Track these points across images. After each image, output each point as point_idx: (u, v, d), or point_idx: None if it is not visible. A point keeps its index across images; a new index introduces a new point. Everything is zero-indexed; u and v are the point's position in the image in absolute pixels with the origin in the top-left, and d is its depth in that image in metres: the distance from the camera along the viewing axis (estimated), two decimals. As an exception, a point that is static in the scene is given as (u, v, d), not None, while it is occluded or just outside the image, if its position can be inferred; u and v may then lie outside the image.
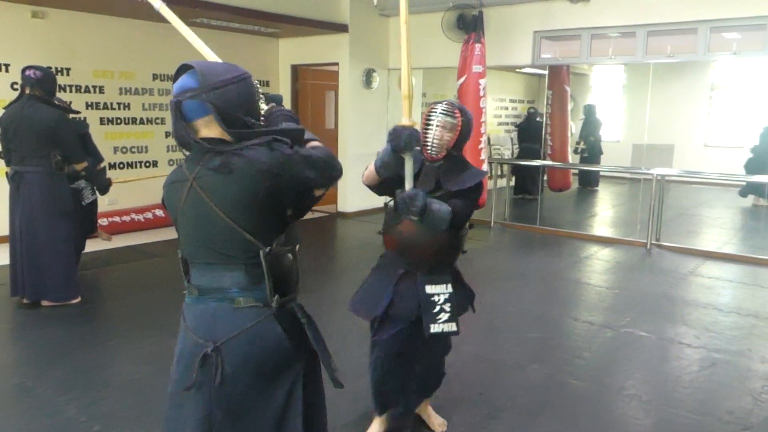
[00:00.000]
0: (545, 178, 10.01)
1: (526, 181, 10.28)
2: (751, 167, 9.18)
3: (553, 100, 9.16)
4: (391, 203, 2.72)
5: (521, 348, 4.12)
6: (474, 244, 7.51)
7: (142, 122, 7.65)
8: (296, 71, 9.22)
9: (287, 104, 9.25)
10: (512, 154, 12.36)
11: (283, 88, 9.27)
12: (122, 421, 3.07)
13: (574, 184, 11.37)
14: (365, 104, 8.82)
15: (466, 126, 2.64)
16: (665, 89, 12.87)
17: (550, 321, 4.67)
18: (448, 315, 2.69)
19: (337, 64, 8.67)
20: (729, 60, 13.00)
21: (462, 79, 7.16)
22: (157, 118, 7.92)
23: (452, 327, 2.69)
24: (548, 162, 9.39)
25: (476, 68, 7.08)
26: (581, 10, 7.31)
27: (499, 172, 13.34)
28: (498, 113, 14.30)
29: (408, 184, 2.38)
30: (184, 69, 1.75)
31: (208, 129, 1.73)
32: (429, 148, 2.63)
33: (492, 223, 8.28)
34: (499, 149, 13.19)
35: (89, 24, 7.09)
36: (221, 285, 1.76)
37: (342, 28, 8.36)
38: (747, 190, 9.71)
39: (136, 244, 6.85)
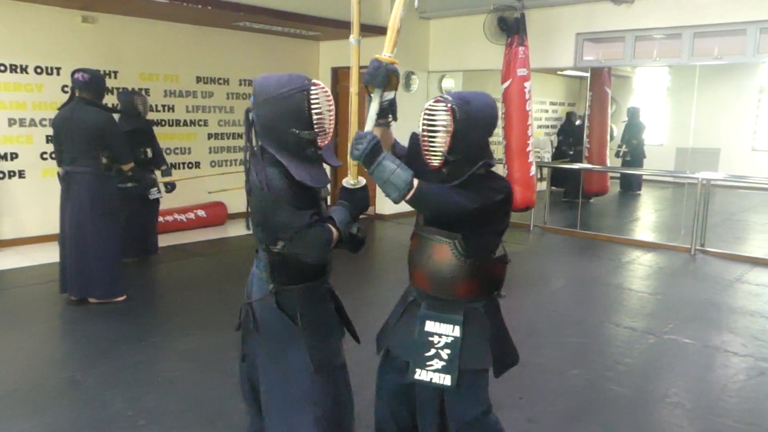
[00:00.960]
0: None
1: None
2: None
3: (592, 102, 9.02)
4: None
5: (561, 353, 4.07)
6: (513, 247, 7.44)
7: (185, 124, 7.82)
8: (336, 74, 9.29)
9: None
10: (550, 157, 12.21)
11: (323, 91, 9.34)
12: (166, 416, 3.14)
13: (615, 188, 11.17)
14: (405, 106, 8.68)
15: (463, 122, 2.10)
16: (711, 92, 12.53)
17: (590, 326, 4.60)
18: (443, 364, 2.19)
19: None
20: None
21: (507, 84, 7.10)
22: (200, 120, 8.08)
23: (445, 380, 2.18)
24: (587, 165, 9.23)
25: (521, 72, 7.02)
26: (625, 11, 7.19)
27: (539, 175, 13.29)
28: (538, 116, 14.14)
29: (367, 126, 2.16)
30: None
31: (258, 139, 2.04)
32: (426, 157, 2.19)
33: (531, 226, 8.20)
34: (539, 152, 13.05)
35: (136, 28, 7.28)
36: (259, 257, 2.20)
37: (382, 30, 8.34)
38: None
39: (179, 243, 7.00)
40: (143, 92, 6.95)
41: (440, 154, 2.14)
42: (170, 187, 6.30)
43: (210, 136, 8.16)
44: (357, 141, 2.06)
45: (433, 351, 2.21)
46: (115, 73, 7.19)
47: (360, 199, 2.13)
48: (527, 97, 7.17)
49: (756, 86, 13.26)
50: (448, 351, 2.19)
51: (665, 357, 4.05)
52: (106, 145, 4.67)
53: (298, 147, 1.99)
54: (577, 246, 7.48)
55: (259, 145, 2.03)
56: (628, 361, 3.95)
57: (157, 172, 6.10)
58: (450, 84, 9.58)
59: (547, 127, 13.69)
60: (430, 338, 2.22)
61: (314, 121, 1.98)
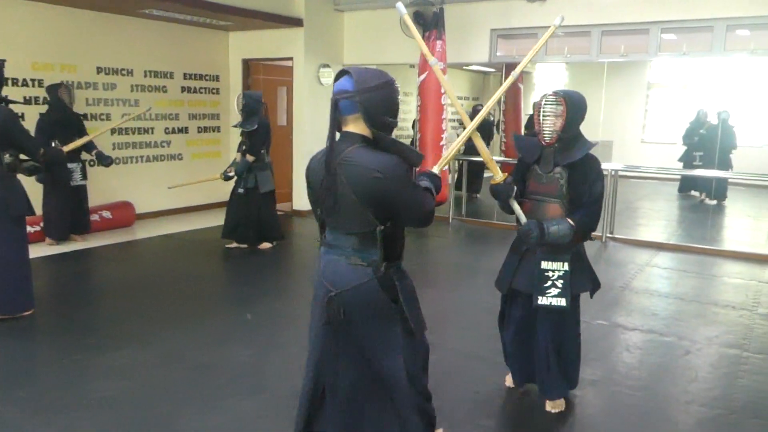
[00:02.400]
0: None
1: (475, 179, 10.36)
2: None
3: (507, 97, 9.27)
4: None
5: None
6: (437, 241, 7.52)
7: (85, 118, 7.20)
8: (248, 66, 8.96)
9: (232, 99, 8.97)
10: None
11: (234, 84, 9.00)
12: (106, 441, 2.87)
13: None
14: (320, 100, 8.66)
15: (573, 109, 2.94)
16: (605, 88, 13.33)
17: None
18: (558, 290, 2.98)
19: (291, 59, 8.47)
20: (664, 59, 13.62)
21: (423, 76, 7.13)
22: (102, 114, 7.51)
23: (561, 302, 2.98)
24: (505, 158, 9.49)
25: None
26: (538, 8, 7.42)
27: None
28: (448, 110, 14.41)
29: (522, 219, 2.96)
30: (342, 73, 2.22)
31: (355, 125, 2.21)
32: (544, 135, 2.98)
33: (450, 219, 8.31)
34: (445, 146, 13.29)
35: (26, 12, 6.64)
36: (342, 244, 2.28)
37: (296, 22, 8.17)
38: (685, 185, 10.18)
39: (85, 248, 6.48)
40: (36, 84, 6.53)
41: (556, 133, 2.96)
42: (107, 161, 6.60)
43: (113, 131, 7.61)
44: (526, 238, 2.91)
45: (549, 282, 2.99)
46: (2, 62, 6.50)
47: (439, 184, 2.47)
48: (443, 91, 7.22)
49: (644, 82, 14.20)
50: (561, 281, 2.98)
51: (599, 341, 4.20)
52: (9, 143, 4.20)
53: (389, 133, 2.27)
54: (496, 236, 7.66)
55: (355, 133, 2.20)
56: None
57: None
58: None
59: (453, 121, 13.97)
60: (547, 273, 2.99)
61: (398, 112, 2.28)
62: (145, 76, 7.92)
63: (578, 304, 3.19)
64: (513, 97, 9.46)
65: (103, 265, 6.10)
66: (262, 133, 6.33)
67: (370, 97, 2.15)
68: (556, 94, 2.95)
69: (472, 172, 9.32)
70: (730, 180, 10.15)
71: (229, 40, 8.98)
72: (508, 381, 3.47)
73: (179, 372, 3.61)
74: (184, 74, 8.41)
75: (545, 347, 3.11)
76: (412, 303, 2.34)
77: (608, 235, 7.33)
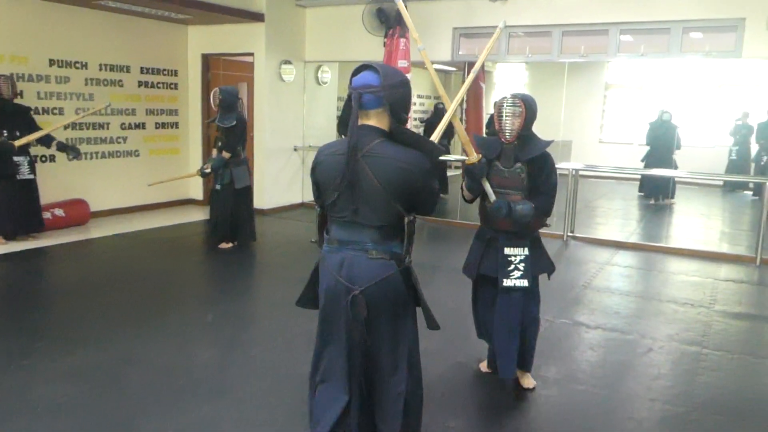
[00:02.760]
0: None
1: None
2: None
3: (468, 97, 9.29)
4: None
5: (471, 346, 4.11)
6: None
7: (36, 112, 6.92)
8: (207, 61, 8.76)
9: (196, 94, 8.80)
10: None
11: (193, 79, 8.80)
12: (58, 450, 2.73)
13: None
14: (281, 97, 8.54)
15: (529, 110, 3.26)
16: (565, 88, 13.53)
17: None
18: (521, 273, 3.32)
19: (251, 54, 8.32)
20: (622, 60, 13.91)
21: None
22: (54, 108, 7.23)
23: (523, 282, 3.32)
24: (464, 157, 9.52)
25: (401, 63, 7.03)
26: (500, 8, 7.46)
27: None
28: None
29: (491, 197, 3.28)
30: (364, 67, 2.25)
31: (377, 119, 2.25)
32: (505, 133, 3.27)
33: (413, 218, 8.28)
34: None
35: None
36: (359, 239, 2.26)
37: (258, 17, 8.02)
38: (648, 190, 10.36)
39: (36, 247, 6.23)
40: (9, 75, 6.32)
41: (516, 131, 3.25)
42: (75, 152, 6.46)
43: (66, 126, 7.32)
44: (498, 213, 3.21)
45: (512, 266, 3.33)
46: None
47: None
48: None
49: (602, 83, 14.48)
50: (522, 264, 3.33)
51: (563, 340, 4.23)
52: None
53: None
54: (459, 235, 7.68)
55: (375, 127, 2.23)
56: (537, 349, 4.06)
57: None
58: (327, 77, 9.41)
59: (414, 119, 13.99)
60: (509, 258, 3.33)
61: (409, 109, 2.33)
62: (101, 69, 7.66)
63: (537, 284, 3.47)
64: (474, 96, 9.49)
65: (56, 264, 5.88)
66: (239, 129, 6.22)
67: (395, 93, 2.21)
68: (514, 96, 3.27)
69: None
70: (678, 180, 10.39)
71: (188, 34, 8.77)
72: (483, 367, 3.71)
73: (137, 375, 3.48)
74: (141, 68, 8.17)
75: (508, 326, 3.37)
76: (423, 295, 2.42)
77: (569, 233, 7.42)
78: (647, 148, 10.22)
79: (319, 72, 9.29)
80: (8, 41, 6.69)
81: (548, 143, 3.31)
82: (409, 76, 7.16)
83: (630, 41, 7.05)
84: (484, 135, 11.27)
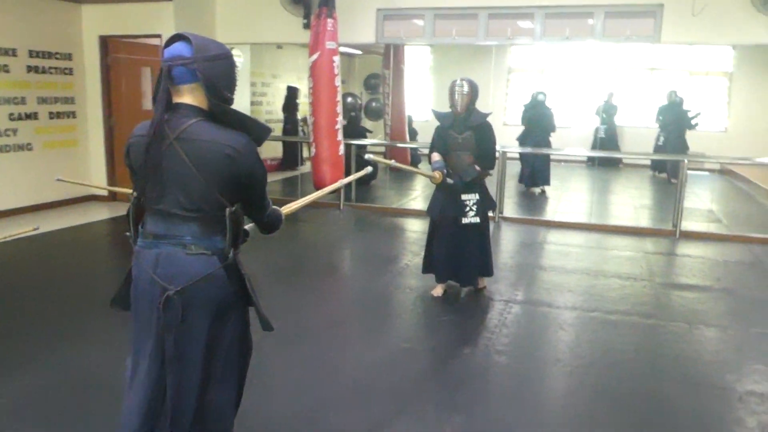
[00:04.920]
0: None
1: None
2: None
3: (390, 79, 9.14)
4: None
5: (440, 333, 3.99)
6: (326, 228, 7.26)
7: None
8: (106, 44, 7.97)
9: (95, 81, 8.01)
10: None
11: (90, 63, 7.98)
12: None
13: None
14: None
15: (474, 89, 4.38)
16: (469, 71, 13.73)
17: (454, 301, 4.60)
18: (474, 212, 4.44)
19: (158, 36, 7.66)
20: (522, 47, 14.33)
21: (315, 56, 6.75)
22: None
23: (476, 219, 4.45)
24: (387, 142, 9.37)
25: (330, 45, 6.74)
26: (424, -11, 7.33)
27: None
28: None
29: (450, 180, 4.42)
30: (176, 37, 1.99)
31: (192, 96, 1.98)
32: (457, 107, 4.35)
33: (341, 205, 8.05)
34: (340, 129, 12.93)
35: None
36: (176, 233, 2.01)
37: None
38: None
39: None
40: None
41: (465, 106, 4.34)
42: None
43: (-55, 118, 6.42)
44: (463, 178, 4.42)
45: (468, 208, 4.43)
46: None
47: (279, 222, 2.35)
48: (336, 72, 6.93)
49: (506, 67, 14.86)
50: (475, 206, 4.44)
51: (532, 323, 4.21)
52: None
53: None
54: (388, 222, 7.55)
55: (191, 106, 1.98)
56: (506, 331, 4.01)
57: None
58: (239, 60, 8.90)
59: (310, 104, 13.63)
60: (465, 202, 4.43)
61: (235, 87, 2.08)
62: (-16, 51, 6.75)
63: (488, 219, 4.69)
64: (397, 79, 9.36)
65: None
66: None
67: (211, 66, 1.95)
68: (463, 80, 4.36)
69: (360, 156, 9.12)
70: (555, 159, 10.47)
71: (81, 13, 7.92)
72: (437, 291, 4.66)
73: (93, 396, 3.03)
74: (30, 52, 7.28)
75: (468, 251, 4.49)
76: (256, 293, 2.17)
77: (500, 215, 7.50)
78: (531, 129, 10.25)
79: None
80: None
81: (488, 114, 4.44)
82: (336, 59, 6.89)
83: (555, 25, 7.16)
84: (408, 116, 11.20)
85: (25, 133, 7.31)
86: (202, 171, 1.93)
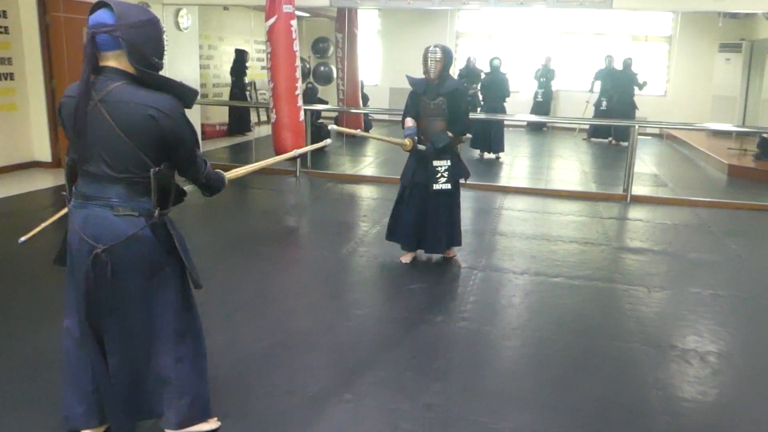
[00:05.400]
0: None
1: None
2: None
3: (344, 44, 8.98)
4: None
5: (411, 300, 4.04)
6: (285, 197, 7.18)
7: None
8: (44, 2, 7.50)
9: (34, 40, 7.55)
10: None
11: (27, 22, 7.50)
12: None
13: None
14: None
15: (447, 56, 4.37)
16: (416, 36, 13.64)
17: (426, 268, 4.64)
18: (445, 179, 4.43)
19: (102, -6, 7.24)
20: (470, 11, 14.31)
21: (272, 20, 6.54)
22: None
23: (447, 186, 4.45)
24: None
25: (287, 8, 6.52)
26: (381, -50, 7.19)
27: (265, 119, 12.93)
28: (261, 56, 13.66)
29: (422, 147, 4.45)
30: (99, 5, 2.02)
31: (118, 61, 2.05)
32: (430, 74, 4.34)
33: (297, 172, 7.95)
34: (264, 94, 12.66)
35: None
36: (104, 194, 2.08)
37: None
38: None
39: None
40: None
41: (438, 72, 4.34)
42: None
43: None
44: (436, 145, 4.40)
45: (439, 174, 4.43)
46: None
47: (219, 183, 2.42)
48: (294, 36, 6.75)
49: (453, 31, 14.82)
50: (447, 172, 4.44)
51: (499, 290, 4.31)
52: None
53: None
54: (347, 188, 7.52)
55: (117, 69, 2.05)
56: (473, 299, 4.10)
57: None
58: (187, 22, 8.56)
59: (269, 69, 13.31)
60: (437, 168, 4.42)
61: (164, 53, 2.15)
62: None
63: (459, 187, 4.65)
64: (351, 43, 9.20)
65: None
66: None
67: (135, 33, 2.01)
68: (436, 46, 4.34)
69: (318, 125, 8.99)
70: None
71: (16, -32, 7.41)
72: (405, 259, 4.71)
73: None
74: (-38, 8, 6.80)
75: (437, 218, 4.52)
76: (187, 252, 2.26)
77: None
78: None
79: (179, 16, 8.42)
80: None
81: (461, 81, 4.75)
82: (293, 23, 6.72)
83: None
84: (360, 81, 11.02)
85: (-41, 96, 6.86)
86: (127, 132, 1.99)
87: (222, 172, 2.42)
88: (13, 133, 7.49)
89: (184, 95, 2.12)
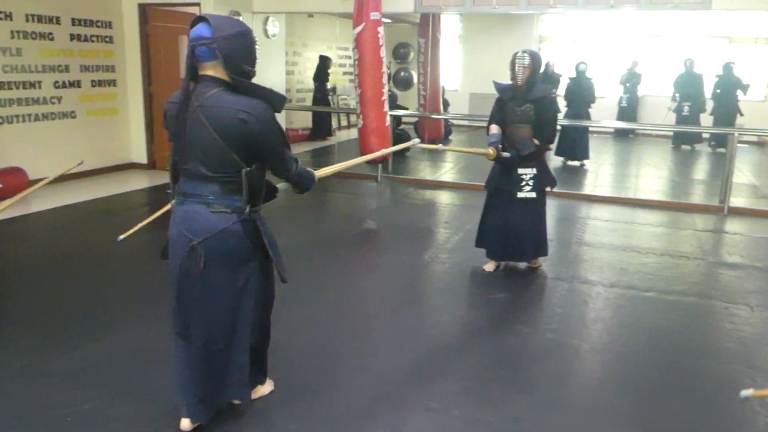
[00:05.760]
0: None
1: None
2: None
3: (426, 49, 8.99)
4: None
5: (496, 310, 3.98)
6: (365, 201, 7.25)
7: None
8: (145, 12, 7.93)
9: (134, 49, 7.98)
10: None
11: (130, 32, 7.95)
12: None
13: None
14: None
15: (536, 62, 4.23)
16: (498, 40, 13.47)
17: (515, 279, 4.57)
18: (530, 187, 4.36)
19: (197, 4, 7.59)
20: (553, 15, 13.98)
21: (360, 28, 6.65)
22: None
23: (532, 194, 4.37)
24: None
25: (374, 15, 6.62)
26: (467, -44, 7.14)
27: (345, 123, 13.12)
28: (342, 62, 13.90)
29: (506, 154, 4.34)
30: (199, 19, 2.20)
31: (215, 70, 2.23)
32: (517, 80, 4.22)
33: (379, 177, 8.01)
34: (345, 99, 12.86)
35: None
36: (201, 192, 2.28)
37: None
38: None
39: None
40: None
41: (526, 79, 4.21)
42: None
43: (-8, 86, 6.47)
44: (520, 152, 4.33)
45: (524, 182, 4.36)
46: None
47: (308, 182, 2.57)
48: (381, 43, 6.82)
49: (536, 36, 14.54)
50: (532, 180, 4.37)
51: (590, 304, 4.17)
52: None
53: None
54: (428, 194, 7.51)
55: (215, 77, 2.22)
56: (559, 311, 3.99)
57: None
58: (274, 29, 8.82)
59: (351, 74, 13.52)
60: (522, 176, 4.36)
61: (255, 61, 2.30)
62: (27, 20, 6.73)
63: (545, 196, 4.54)
64: (433, 48, 9.19)
65: (3, 243, 5.18)
66: None
67: (229, 44, 2.17)
68: (525, 52, 4.22)
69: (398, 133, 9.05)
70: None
71: (121, -20, 7.88)
72: (489, 267, 4.64)
73: (157, 369, 3.08)
74: (73, 20, 7.26)
75: (522, 226, 4.42)
76: (275, 246, 2.43)
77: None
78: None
79: (268, 24, 8.68)
80: None
81: (549, 88, 4.59)
82: (380, 30, 6.79)
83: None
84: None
85: (69, 101, 7.35)
86: (220, 134, 2.16)
87: (312, 170, 2.57)
88: (113, 136, 7.96)
89: (274, 100, 2.26)
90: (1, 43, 6.49)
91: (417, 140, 4.31)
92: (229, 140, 2.18)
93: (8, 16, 6.53)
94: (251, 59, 2.27)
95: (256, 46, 2.32)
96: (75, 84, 7.38)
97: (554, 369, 3.25)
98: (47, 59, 6.96)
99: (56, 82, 7.13)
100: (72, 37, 7.27)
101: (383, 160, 7.29)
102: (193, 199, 2.29)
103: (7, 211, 6.01)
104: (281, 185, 2.49)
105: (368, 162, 7.31)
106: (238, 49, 2.20)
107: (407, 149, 9.41)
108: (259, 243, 2.37)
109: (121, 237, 3.06)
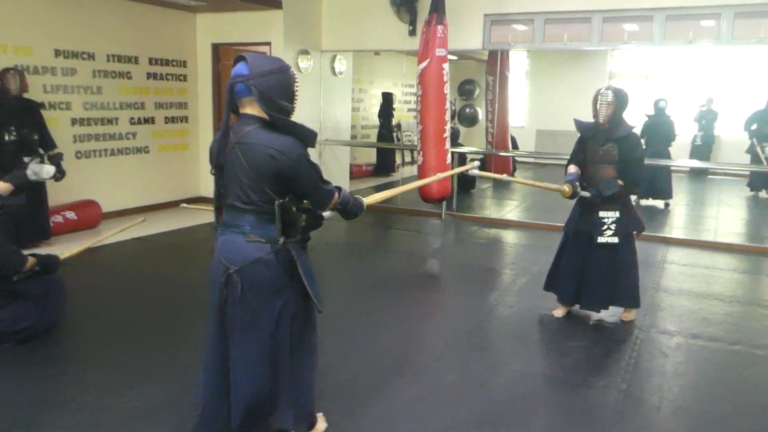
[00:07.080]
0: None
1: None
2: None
3: (494, 86, 8.91)
4: None
5: (570, 359, 3.75)
6: (429, 239, 7.13)
7: (42, 107, 6.31)
8: (218, 51, 8.20)
9: (206, 86, 8.24)
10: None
11: (203, 70, 8.23)
12: None
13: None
14: (300, 89, 8.01)
15: (619, 99, 4.02)
16: (567, 77, 13.23)
17: (581, 324, 4.34)
18: (612, 231, 4.10)
19: (268, 44, 7.79)
20: (625, 50, 13.65)
21: (424, 64, 6.64)
22: (61, 103, 6.65)
23: (614, 240, 4.11)
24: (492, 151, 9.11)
25: (440, 52, 6.60)
26: (535, -7, 7.06)
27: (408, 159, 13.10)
28: (407, 99, 13.97)
29: (587, 194, 4.12)
30: (239, 58, 2.31)
31: (252, 107, 2.31)
32: (599, 118, 4.05)
33: (443, 214, 7.89)
34: (409, 135, 12.87)
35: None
36: (238, 222, 2.36)
37: (275, 3, 7.50)
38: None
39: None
40: (17, 68, 5.77)
41: (609, 117, 4.02)
42: (59, 175, 5.27)
43: (74, 121, 6.76)
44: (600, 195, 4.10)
45: (605, 226, 4.11)
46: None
47: (356, 208, 2.64)
48: (446, 79, 6.78)
49: (606, 72, 14.22)
50: (614, 225, 4.11)
51: (670, 357, 3.89)
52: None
53: (287, 117, 2.35)
54: (493, 232, 7.32)
55: (252, 115, 2.30)
56: (638, 363, 3.72)
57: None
58: (342, 67, 8.95)
59: (416, 111, 13.54)
60: (603, 220, 4.11)
61: (294, 97, 2.36)
62: (109, 60, 7.06)
63: (632, 240, 4.25)
64: (501, 85, 9.10)
65: (74, 275, 5.32)
66: None
67: (265, 81, 2.24)
68: (608, 89, 4.03)
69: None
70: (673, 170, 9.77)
71: (196, 22, 8.19)
72: (558, 313, 4.42)
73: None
74: (150, 59, 7.59)
75: (599, 272, 4.17)
76: (312, 277, 2.45)
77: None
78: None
79: (335, 62, 8.82)
80: (11, 31, 6.08)
81: (632, 126, 4.14)
82: (446, 66, 6.76)
83: (676, 27, 6.71)
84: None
85: (144, 136, 7.62)
86: (253, 169, 2.26)
87: (361, 197, 2.65)
88: (184, 170, 8.19)
89: (305, 136, 2.32)
90: (84, 81, 6.83)
91: (477, 163, 4.21)
92: (260, 174, 2.27)
93: (91, 57, 6.87)
94: (288, 95, 2.33)
95: (296, 83, 2.37)
96: (149, 120, 7.66)
97: (633, 428, 3.01)
98: (125, 97, 7.27)
99: (132, 118, 7.43)
100: (149, 75, 7.58)
101: (440, 197, 7.15)
102: (232, 229, 2.37)
103: (83, 240, 6.27)
104: (327, 213, 2.55)
105: (428, 200, 7.23)
106: (273, 86, 2.26)
107: (471, 188, 9.28)
108: (294, 272, 2.40)
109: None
